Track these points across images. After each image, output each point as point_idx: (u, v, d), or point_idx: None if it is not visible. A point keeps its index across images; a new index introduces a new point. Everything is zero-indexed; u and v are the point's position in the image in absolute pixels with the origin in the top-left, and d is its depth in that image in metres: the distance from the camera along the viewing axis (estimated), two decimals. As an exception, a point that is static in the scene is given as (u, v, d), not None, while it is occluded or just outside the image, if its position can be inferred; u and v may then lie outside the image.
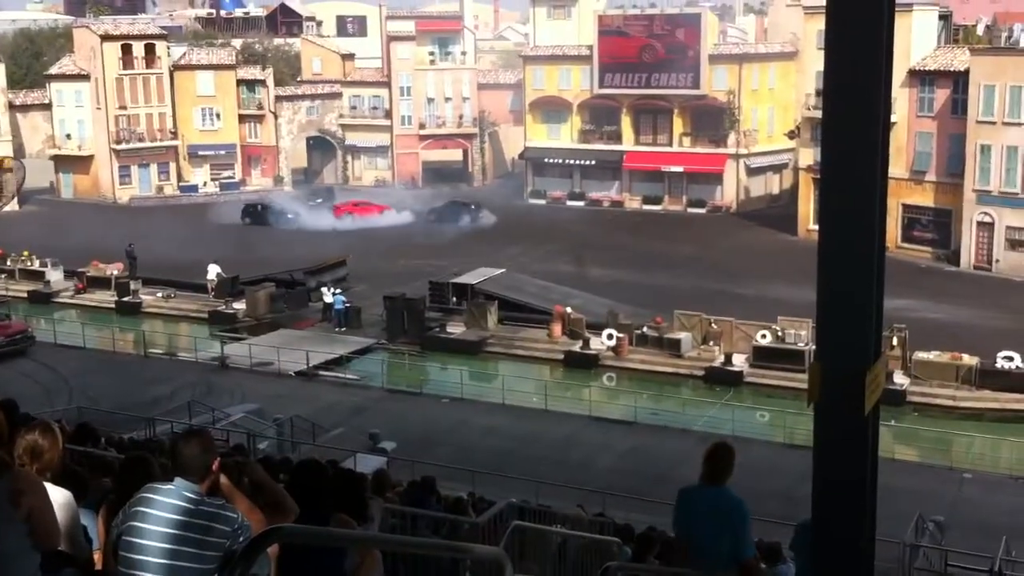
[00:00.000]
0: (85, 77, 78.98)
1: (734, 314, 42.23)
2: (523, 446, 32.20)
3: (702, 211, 70.82)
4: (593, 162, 74.62)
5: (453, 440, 32.37)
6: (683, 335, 40.86)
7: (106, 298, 50.63)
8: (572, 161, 75.47)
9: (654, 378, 39.67)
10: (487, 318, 43.93)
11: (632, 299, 47.05)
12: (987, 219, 54.71)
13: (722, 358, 39.33)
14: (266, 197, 73.97)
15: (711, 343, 40.70)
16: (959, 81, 56.18)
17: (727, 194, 71.71)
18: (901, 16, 56.74)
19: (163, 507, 4.93)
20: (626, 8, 75.82)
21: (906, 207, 58.37)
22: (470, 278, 47.25)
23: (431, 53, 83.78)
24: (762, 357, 38.72)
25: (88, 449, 11.28)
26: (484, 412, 35.95)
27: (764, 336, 39.19)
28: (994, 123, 53.96)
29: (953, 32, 68.04)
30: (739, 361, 38.97)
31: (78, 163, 79.62)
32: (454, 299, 45.94)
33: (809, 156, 61.38)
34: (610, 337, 41.09)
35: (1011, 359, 36.29)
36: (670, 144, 72.86)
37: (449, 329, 43.91)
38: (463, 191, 79.33)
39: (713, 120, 71.85)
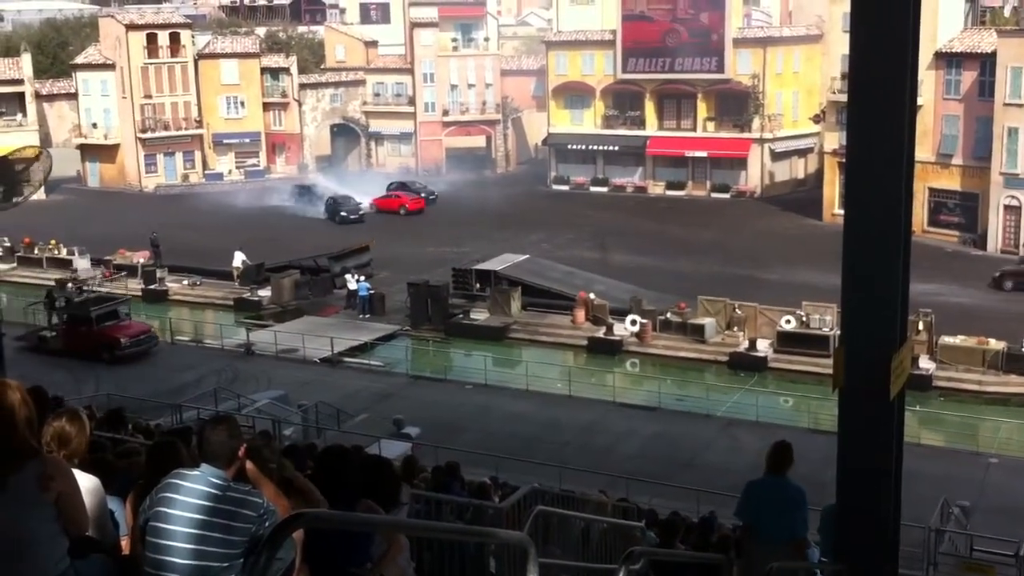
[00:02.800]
0: (111, 66, 79.33)
1: (758, 299, 42.09)
2: (547, 432, 32.26)
3: (726, 196, 70.45)
4: (616, 148, 74.36)
5: (477, 426, 32.44)
6: (707, 321, 40.74)
7: (133, 286, 50.96)
8: (595, 147, 75.25)
9: (678, 364, 39.62)
10: (510, 304, 43.94)
11: (656, 285, 46.95)
12: (1014, 203, 54.20)
13: (746, 343, 39.20)
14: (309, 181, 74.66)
15: (735, 328, 40.56)
16: (986, 63, 55.62)
17: (751, 179, 71.28)
18: (927, -2, 56.29)
19: (190, 492, 4.98)
20: (651, -9, 75.33)
21: (932, 191, 57.90)
22: (493, 264, 47.27)
23: (454, 39, 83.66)
24: (786, 342, 38.60)
25: (115, 435, 11.39)
26: (508, 398, 36.00)
27: (788, 321, 39.01)
28: (1021, 105, 53.42)
29: (980, 14, 67.31)
30: (763, 346, 38.83)
31: (104, 152, 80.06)
32: (477, 285, 45.98)
33: (834, 140, 60.94)
34: (633, 323, 41.02)
35: (1033, 345, 36.02)
36: (694, 129, 72.50)
37: (473, 315, 43.95)
38: (486, 176, 79.27)
39: (737, 104, 71.37)
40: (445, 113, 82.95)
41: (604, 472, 25.02)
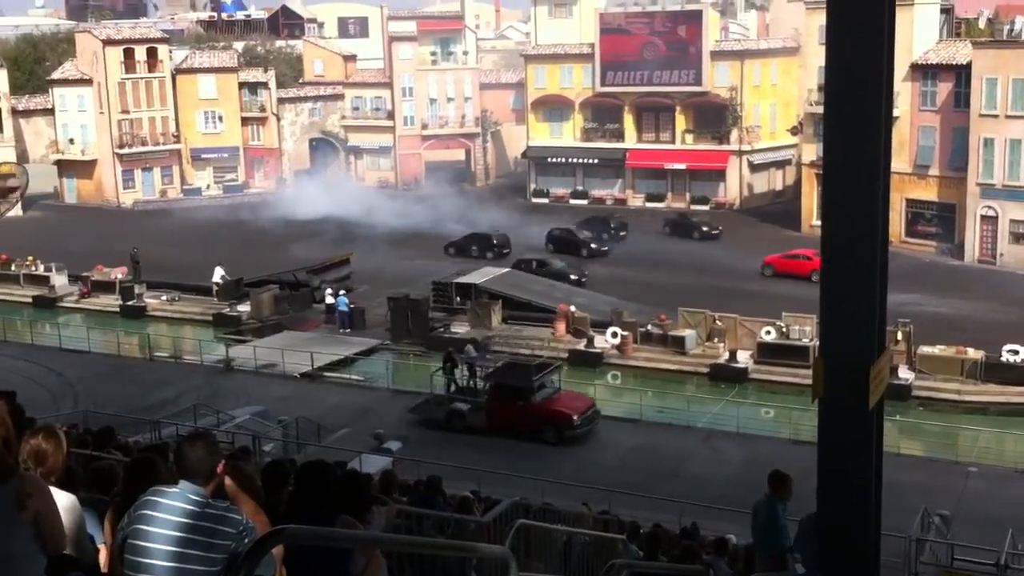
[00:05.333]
0: (88, 82, 79.04)
1: (738, 311, 42.25)
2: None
3: (705, 208, 70.75)
4: (596, 160, 74.61)
5: (459, 440, 32.34)
6: (687, 332, 40.86)
7: (110, 302, 50.68)
8: (575, 160, 75.46)
9: (659, 375, 39.66)
10: (491, 317, 43.93)
11: (636, 297, 47.06)
12: (991, 213, 54.62)
13: (727, 355, 39.30)
14: None
15: (715, 340, 40.64)
16: (961, 74, 56.09)
17: (730, 191, 71.65)
18: (902, 10, 56.65)
19: (168, 510, 4.94)
20: (627, 6, 75.72)
21: (910, 201, 58.33)
22: (474, 277, 47.28)
23: (433, 53, 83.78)
24: (767, 353, 38.70)
25: (91, 452, 11.31)
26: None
27: (768, 332, 39.14)
28: (997, 116, 53.88)
29: (955, 25, 67.90)
30: (744, 358, 38.94)
31: (81, 168, 79.71)
32: (458, 299, 45.95)
33: (812, 152, 61.29)
34: (614, 335, 41.08)
35: (1016, 352, 36.22)
36: (673, 141, 72.84)
37: (453, 329, 43.91)
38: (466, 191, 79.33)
39: (716, 117, 71.76)
40: (424, 127, 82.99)
41: (586, 485, 25.00)
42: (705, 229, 62.87)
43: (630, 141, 73.98)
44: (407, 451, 28.57)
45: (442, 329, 43.77)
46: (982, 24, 73.45)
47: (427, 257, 56.17)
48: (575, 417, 32.06)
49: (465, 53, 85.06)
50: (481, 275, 47.80)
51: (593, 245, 59.43)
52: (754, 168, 71.87)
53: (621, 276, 52.63)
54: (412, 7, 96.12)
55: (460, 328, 43.84)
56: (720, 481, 28.25)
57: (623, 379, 40.31)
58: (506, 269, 49.76)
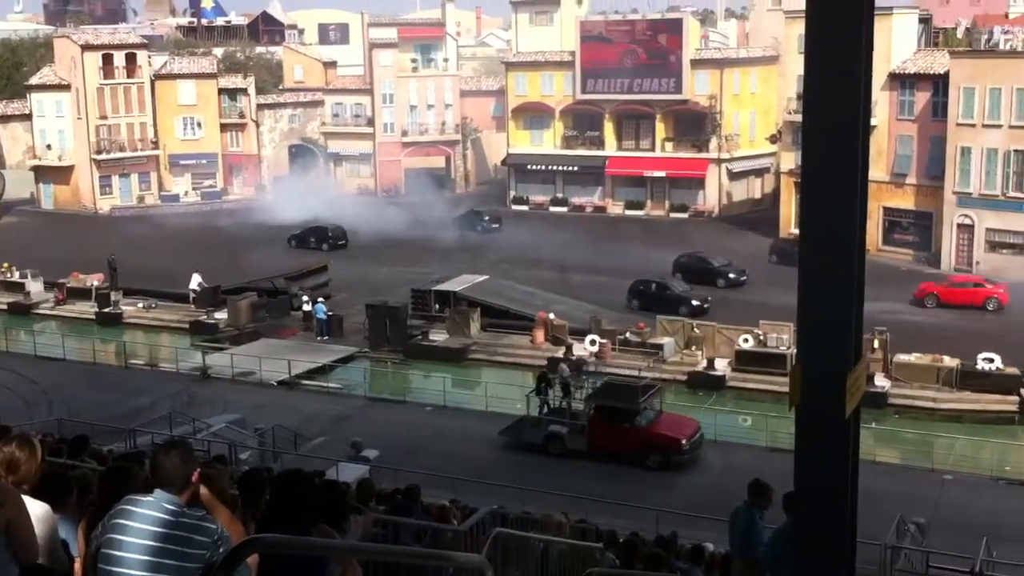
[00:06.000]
0: (66, 87, 78.65)
1: (717, 319, 42.31)
2: (506, 453, 32.18)
3: (684, 216, 70.98)
4: (576, 168, 74.74)
5: (436, 448, 32.30)
6: (666, 340, 40.97)
7: (86, 309, 50.37)
8: (555, 167, 75.59)
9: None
10: (470, 325, 43.90)
11: (615, 305, 47.11)
12: (967, 221, 55.01)
13: (705, 363, 39.42)
14: None
15: (694, 348, 40.75)
16: (939, 84, 56.47)
17: (709, 199, 71.89)
18: (881, 19, 57.08)
19: (143, 519, 4.91)
20: (608, 14, 76.00)
21: (887, 210, 58.68)
22: (452, 285, 47.25)
23: (413, 60, 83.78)
24: (744, 361, 38.84)
25: (65, 460, 11.23)
26: (467, 419, 35.88)
27: (746, 340, 39.32)
28: (974, 125, 54.26)
29: (933, 35, 68.40)
30: (721, 365, 39.04)
31: (59, 174, 79.25)
32: (436, 306, 45.90)
33: (791, 160, 61.58)
34: (593, 343, 41.11)
35: (991, 360, 36.49)
36: (653, 149, 73.01)
37: (432, 337, 43.87)
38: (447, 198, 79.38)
39: (695, 125, 72.02)
40: (404, 134, 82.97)
41: (564, 493, 24.99)
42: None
43: (610, 149, 74.12)
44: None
45: (420, 337, 43.70)
46: (960, 34, 74.02)
47: (407, 264, 56.11)
48: (683, 441, 30.62)
49: (446, 60, 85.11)
50: (460, 283, 47.78)
51: (732, 275, 52.76)
52: (733, 176, 72.14)
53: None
54: (393, 14, 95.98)
55: (439, 336, 43.81)
56: (698, 489, 28.29)
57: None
58: (485, 276, 49.74)
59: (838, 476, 5.21)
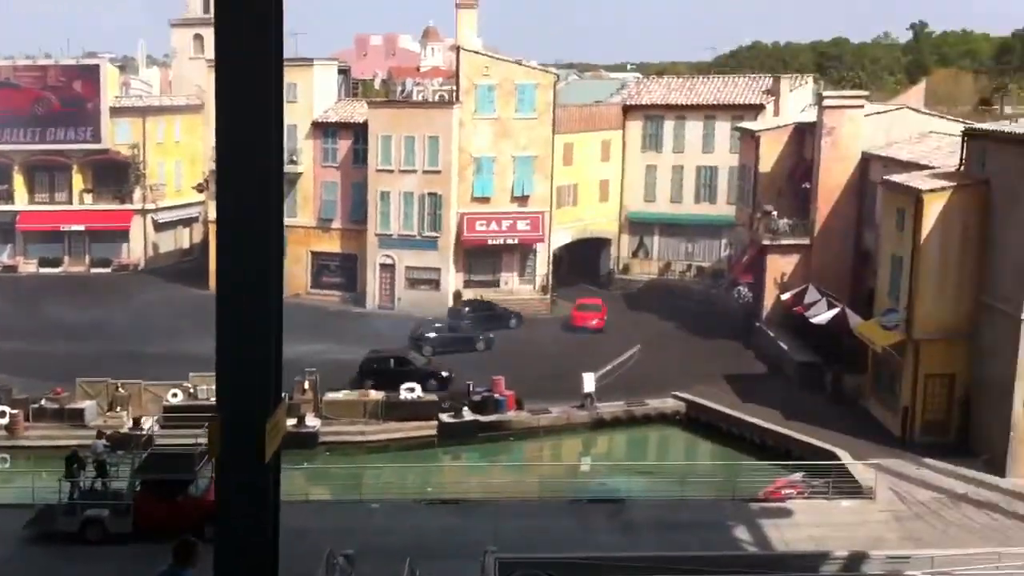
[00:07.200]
0: None
1: (146, 376, 40.54)
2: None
3: (107, 271, 67.33)
4: (-17, 223, 67.72)
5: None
6: (87, 404, 38.68)
7: None
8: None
9: (56, 453, 35.88)
10: None
11: (29, 372, 42.82)
12: (389, 261, 57.42)
13: (131, 422, 37.23)
14: None
15: (119, 408, 38.41)
16: (359, 132, 58.70)
17: (134, 251, 69.02)
18: (302, 70, 58.13)
19: None
20: (17, 58, 70.09)
21: (315, 254, 59.94)
22: None
23: None
24: (175, 416, 37.10)
25: None
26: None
27: (175, 395, 38.24)
28: (392, 171, 56.82)
29: (353, 86, 71.31)
30: (148, 423, 36.82)
31: None
32: None
33: (217, 208, 60.46)
34: (2, 415, 37.36)
35: (412, 390, 38.60)
36: (70, 202, 68.56)
37: None
38: None
39: (118, 175, 68.89)
40: None
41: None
42: None
43: (21, 203, 68.24)
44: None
45: None
46: (377, 85, 77.57)
47: None
48: None
49: None
50: None
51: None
52: (159, 227, 69.92)
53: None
54: None
55: None
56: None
57: (13, 462, 36.31)
58: None
59: (258, 520, 5.48)
